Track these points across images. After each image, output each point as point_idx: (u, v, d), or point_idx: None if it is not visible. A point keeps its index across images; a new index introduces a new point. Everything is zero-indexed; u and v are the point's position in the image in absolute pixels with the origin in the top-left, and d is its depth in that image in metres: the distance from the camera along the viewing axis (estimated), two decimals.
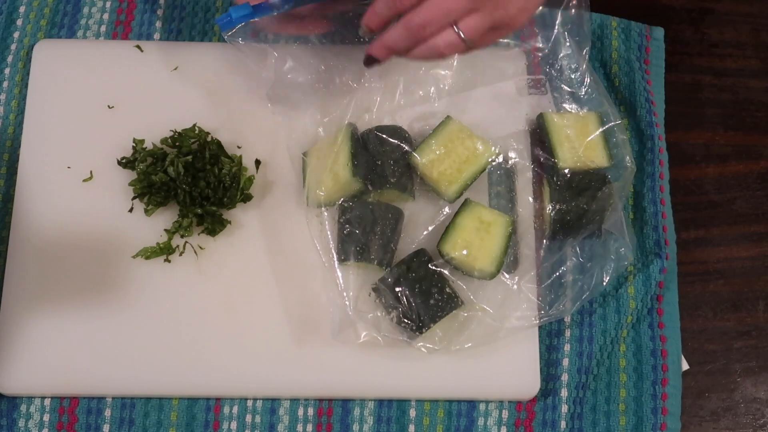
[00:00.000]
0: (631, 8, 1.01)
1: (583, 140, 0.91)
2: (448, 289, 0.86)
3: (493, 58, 0.95)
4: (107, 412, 0.87)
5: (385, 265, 0.87)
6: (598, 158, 0.90)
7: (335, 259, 0.87)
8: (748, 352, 0.93)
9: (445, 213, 0.90)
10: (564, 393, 0.89)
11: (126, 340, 0.87)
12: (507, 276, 0.88)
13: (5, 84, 0.96)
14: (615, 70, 0.97)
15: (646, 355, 0.90)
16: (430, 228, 0.90)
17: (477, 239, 0.87)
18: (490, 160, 0.89)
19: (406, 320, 0.85)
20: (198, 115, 0.93)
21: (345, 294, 0.86)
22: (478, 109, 0.93)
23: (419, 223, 0.90)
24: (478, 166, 0.89)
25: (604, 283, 0.88)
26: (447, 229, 0.87)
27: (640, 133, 0.96)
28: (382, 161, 0.89)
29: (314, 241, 0.88)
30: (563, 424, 0.88)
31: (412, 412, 0.88)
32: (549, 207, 0.89)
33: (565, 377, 0.89)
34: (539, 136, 0.93)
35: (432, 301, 0.85)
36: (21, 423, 0.87)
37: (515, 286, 0.88)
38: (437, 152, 0.89)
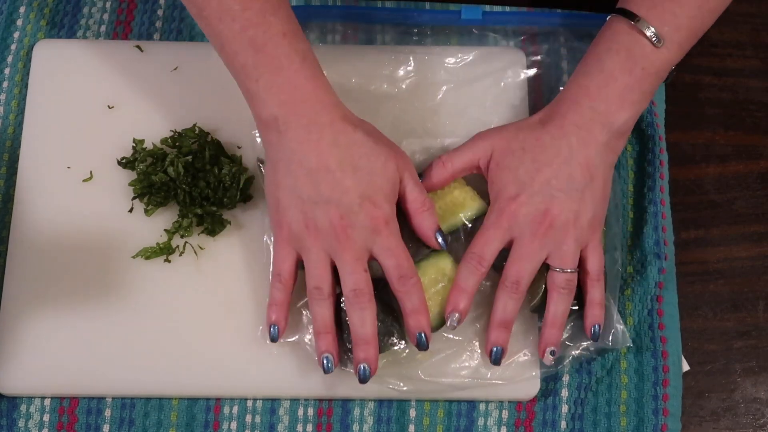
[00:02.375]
0: None
1: None
2: (394, 322, 0.84)
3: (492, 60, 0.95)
4: (107, 412, 0.87)
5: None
6: None
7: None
8: (748, 352, 0.93)
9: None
10: (564, 393, 0.88)
11: (126, 341, 0.87)
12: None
13: (5, 84, 0.96)
14: None
15: (646, 356, 0.89)
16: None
17: (431, 290, 0.84)
18: (470, 216, 0.86)
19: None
20: (198, 115, 0.93)
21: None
22: (476, 126, 0.90)
23: None
24: (457, 220, 0.86)
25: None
26: None
27: (640, 133, 0.96)
28: None
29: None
30: (563, 424, 0.88)
31: (412, 412, 0.88)
32: (542, 286, 0.85)
33: (565, 377, 0.89)
34: None
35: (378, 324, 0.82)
36: (21, 423, 0.87)
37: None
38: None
